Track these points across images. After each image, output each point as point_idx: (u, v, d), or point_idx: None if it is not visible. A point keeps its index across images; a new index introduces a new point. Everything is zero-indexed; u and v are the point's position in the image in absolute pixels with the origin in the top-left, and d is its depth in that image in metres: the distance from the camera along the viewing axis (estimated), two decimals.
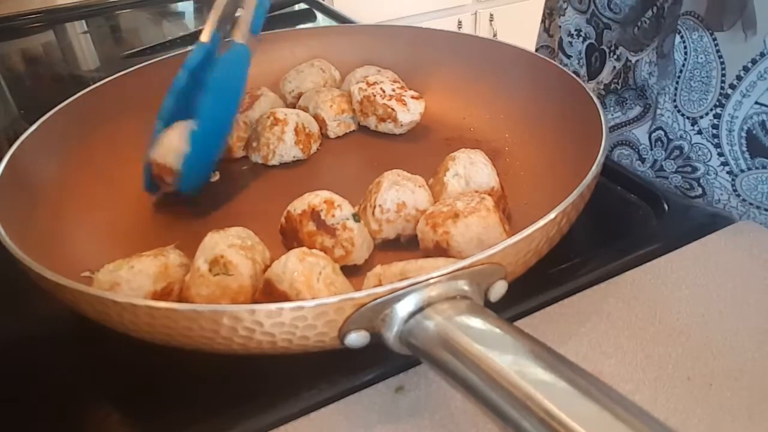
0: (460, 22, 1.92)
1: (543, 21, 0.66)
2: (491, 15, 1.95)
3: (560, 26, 0.59)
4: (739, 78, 0.44)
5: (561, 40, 0.59)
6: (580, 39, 0.57)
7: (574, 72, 0.58)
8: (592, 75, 0.57)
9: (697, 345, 0.35)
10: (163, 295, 0.36)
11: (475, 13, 1.94)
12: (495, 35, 1.94)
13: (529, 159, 0.50)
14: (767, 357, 0.34)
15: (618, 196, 0.48)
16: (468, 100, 0.58)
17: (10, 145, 0.44)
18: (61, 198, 0.46)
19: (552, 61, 0.52)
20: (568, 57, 0.59)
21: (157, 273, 0.36)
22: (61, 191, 0.46)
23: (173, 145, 0.46)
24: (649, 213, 0.46)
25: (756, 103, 0.44)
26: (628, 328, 0.36)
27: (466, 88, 0.59)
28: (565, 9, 0.58)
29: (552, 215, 0.33)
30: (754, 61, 0.43)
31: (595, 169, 0.37)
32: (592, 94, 0.45)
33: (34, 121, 0.47)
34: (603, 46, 0.55)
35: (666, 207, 0.45)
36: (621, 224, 0.46)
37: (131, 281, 0.36)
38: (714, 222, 0.43)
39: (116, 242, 0.44)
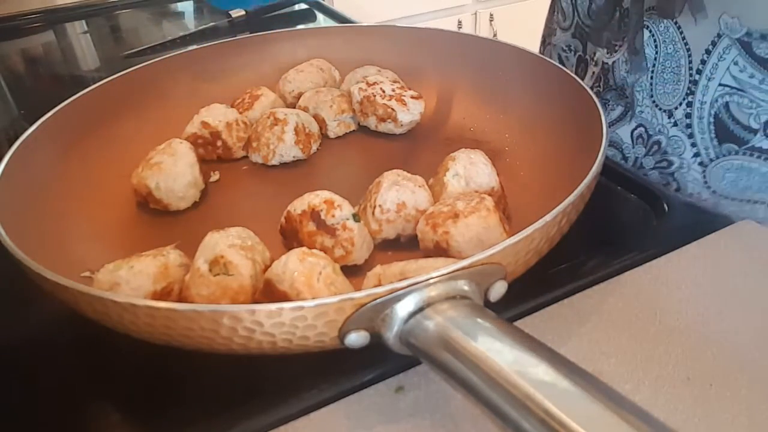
0: (460, 22, 1.93)
1: (540, 45, 0.67)
2: (491, 15, 1.95)
3: (554, 45, 0.60)
4: (703, 62, 0.45)
5: (559, 56, 0.60)
6: (572, 53, 0.58)
7: None
8: None
9: (697, 345, 0.35)
10: (163, 295, 0.36)
11: (475, 13, 1.94)
12: (495, 35, 1.94)
13: (529, 159, 0.50)
14: (767, 357, 0.34)
15: (618, 196, 0.48)
16: (468, 100, 0.58)
17: (10, 145, 0.44)
18: (61, 198, 0.46)
19: (552, 62, 0.52)
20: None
21: (157, 273, 0.36)
22: (60, 191, 0.46)
23: (170, 180, 0.47)
24: (649, 213, 0.46)
25: (720, 84, 0.45)
26: (628, 328, 0.36)
27: (466, 88, 0.59)
28: (555, 29, 0.60)
29: (552, 215, 0.33)
30: (713, 43, 0.44)
31: (595, 169, 0.37)
32: (592, 94, 0.45)
33: (34, 121, 0.47)
34: (587, 56, 0.56)
35: (666, 207, 0.45)
36: (621, 224, 0.46)
37: (131, 281, 0.36)
38: (714, 222, 0.43)
39: (116, 242, 0.44)
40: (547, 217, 0.33)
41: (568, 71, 0.49)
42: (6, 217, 0.37)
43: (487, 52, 0.58)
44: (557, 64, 0.52)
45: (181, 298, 0.37)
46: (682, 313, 0.37)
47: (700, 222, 0.44)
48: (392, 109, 0.54)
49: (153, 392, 0.35)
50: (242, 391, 0.33)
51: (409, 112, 0.54)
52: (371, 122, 0.56)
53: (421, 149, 0.55)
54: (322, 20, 0.96)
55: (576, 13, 0.55)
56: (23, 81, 0.86)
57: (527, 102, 0.53)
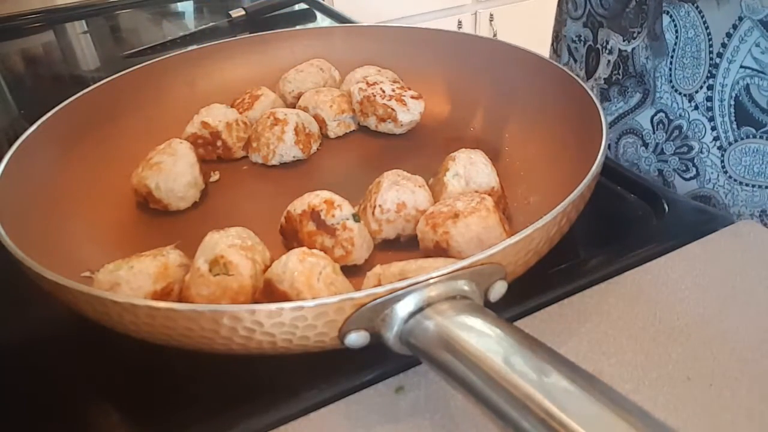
0: (460, 22, 1.93)
1: (552, 43, 0.67)
2: (491, 15, 1.95)
3: (565, 35, 0.60)
4: (724, 45, 0.45)
5: (569, 47, 0.60)
6: (582, 43, 0.58)
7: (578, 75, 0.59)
8: (589, 74, 0.58)
9: (697, 345, 0.35)
10: (163, 295, 0.36)
11: (475, 13, 1.94)
12: (495, 35, 1.94)
13: (529, 159, 0.50)
14: (767, 357, 0.34)
15: (618, 196, 0.48)
16: (468, 100, 0.58)
17: (10, 145, 0.44)
18: (61, 198, 0.46)
19: (552, 61, 0.52)
20: (576, 61, 0.60)
21: (157, 273, 0.36)
22: (61, 191, 0.46)
23: (170, 180, 0.47)
24: (649, 213, 0.46)
25: (741, 67, 0.45)
26: (628, 328, 0.36)
27: (466, 88, 0.59)
28: (566, 20, 0.60)
29: (552, 215, 0.33)
30: (734, 26, 0.44)
31: (595, 169, 0.37)
32: (592, 94, 0.45)
33: (34, 121, 0.47)
34: (598, 45, 0.56)
35: (666, 207, 0.45)
36: (621, 224, 0.46)
37: (131, 281, 0.36)
38: (714, 222, 0.43)
39: (116, 242, 0.44)
40: (547, 217, 0.33)
41: (568, 71, 0.49)
42: (6, 217, 0.37)
43: (487, 52, 0.58)
44: (557, 64, 0.52)
45: (181, 298, 0.37)
46: (682, 313, 0.37)
47: (700, 222, 0.44)
48: (392, 109, 0.54)
49: (153, 392, 0.35)
50: (242, 391, 0.33)
51: (409, 112, 0.54)
52: (371, 122, 0.56)
53: (421, 149, 0.55)
54: (321, 20, 0.96)
55: (588, 2, 0.56)
56: (23, 81, 0.86)
57: (527, 102, 0.53)
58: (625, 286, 0.39)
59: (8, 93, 0.81)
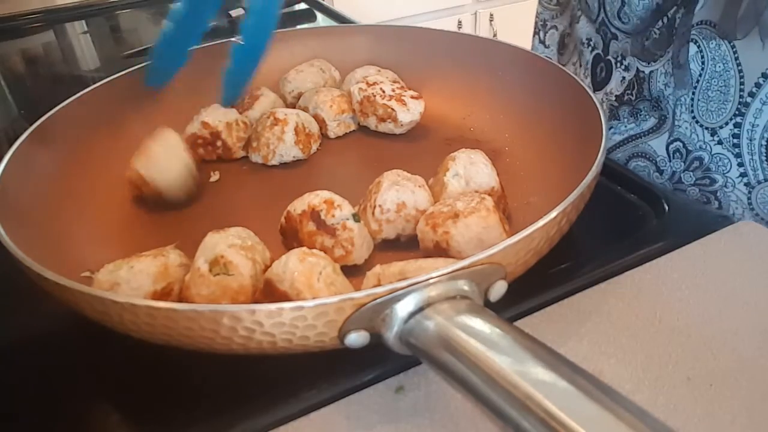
0: (460, 22, 1.93)
1: (536, 33, 0.66)
2: (491, 15, 1.95)
3: (570, 33, 0.59)
4: (758, 86, 0.44)
5: (576, 47, 0.59)
6: (589, 49, 0.57)
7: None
8: (597, 86, 0.57)
9: (697, 345, 0.35)
10: (163, 295, 0.36)
11: (475, 13, 1.94)
12: (495, 35, 1.94)
13: (529, 159, 0.50)
14: (767, 357, 0.34)
15: (618, 196, 0.48)
16: (468, 100, 0.58)
17: (10, 145, 0.44)
18: (61, 198, 0.46)
19: (552, 61, 0.52)
20: (580, 65, 0.59)
21: (157, 273, 0.36)
22: (61, 191, 0.46)
23: (160, 162, 0.47)
24: (649, 213, 0.46)
25: None
26: (628, 328, 0.36)
27: (466, 88, 0.59)
28: (579, 17, 0.58)
29: (552, 215, 0.33)
30: None
31: (594, 169, 0.37)
32: (591, 94, 0.45)
33: (34, 121, 0.47)
34: (609, 57, 0.54)
35: (666, 207, 0.45)
36: (621, 224, 0.46)
37: (131, 281, 0.36)
38: (714, 222, 0.43)
39: (116, 242, 0.45)
40: (547, 217, 0.33)
41: (568, 71, 0.49)
42: (6, 217, 0.37)
43: (487, 52, 0.58)
44: (557, 63, 0.52)
45: (181, 298, 0.37)
46: (682, 313, 0.37)
47: (700, 222, 0.44)
48: (392, 109, 0.54)
49: (153, 392, 0.35)
50: (242, 391, 0.33)
51: (409, 112, 0.54)
52: (371, 122, 0.56)
53: (421, 149, 0.55)
54: (322, 20, 0.96)
55: (603, 10, 0.54)
56: (23, 81, 0.86)
57: (527, 102, 0.53)
58: (625, 286, 0.39)
59: (8, 93, 0.81)
